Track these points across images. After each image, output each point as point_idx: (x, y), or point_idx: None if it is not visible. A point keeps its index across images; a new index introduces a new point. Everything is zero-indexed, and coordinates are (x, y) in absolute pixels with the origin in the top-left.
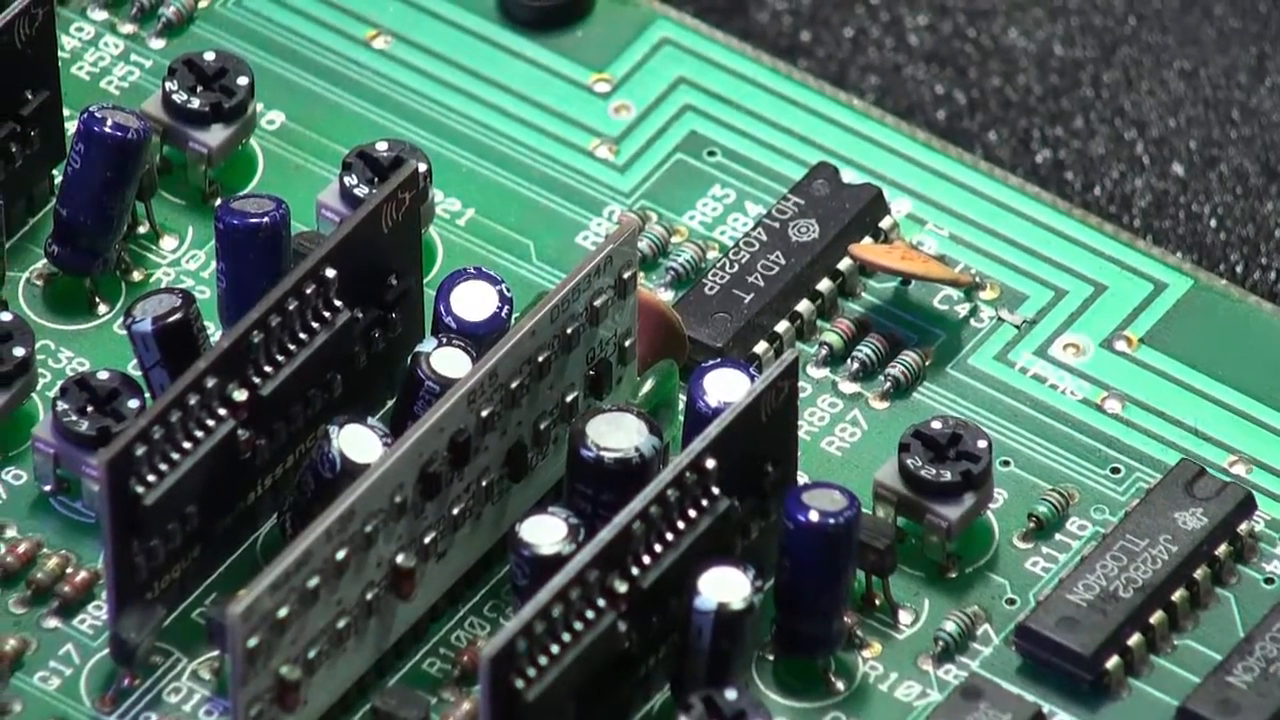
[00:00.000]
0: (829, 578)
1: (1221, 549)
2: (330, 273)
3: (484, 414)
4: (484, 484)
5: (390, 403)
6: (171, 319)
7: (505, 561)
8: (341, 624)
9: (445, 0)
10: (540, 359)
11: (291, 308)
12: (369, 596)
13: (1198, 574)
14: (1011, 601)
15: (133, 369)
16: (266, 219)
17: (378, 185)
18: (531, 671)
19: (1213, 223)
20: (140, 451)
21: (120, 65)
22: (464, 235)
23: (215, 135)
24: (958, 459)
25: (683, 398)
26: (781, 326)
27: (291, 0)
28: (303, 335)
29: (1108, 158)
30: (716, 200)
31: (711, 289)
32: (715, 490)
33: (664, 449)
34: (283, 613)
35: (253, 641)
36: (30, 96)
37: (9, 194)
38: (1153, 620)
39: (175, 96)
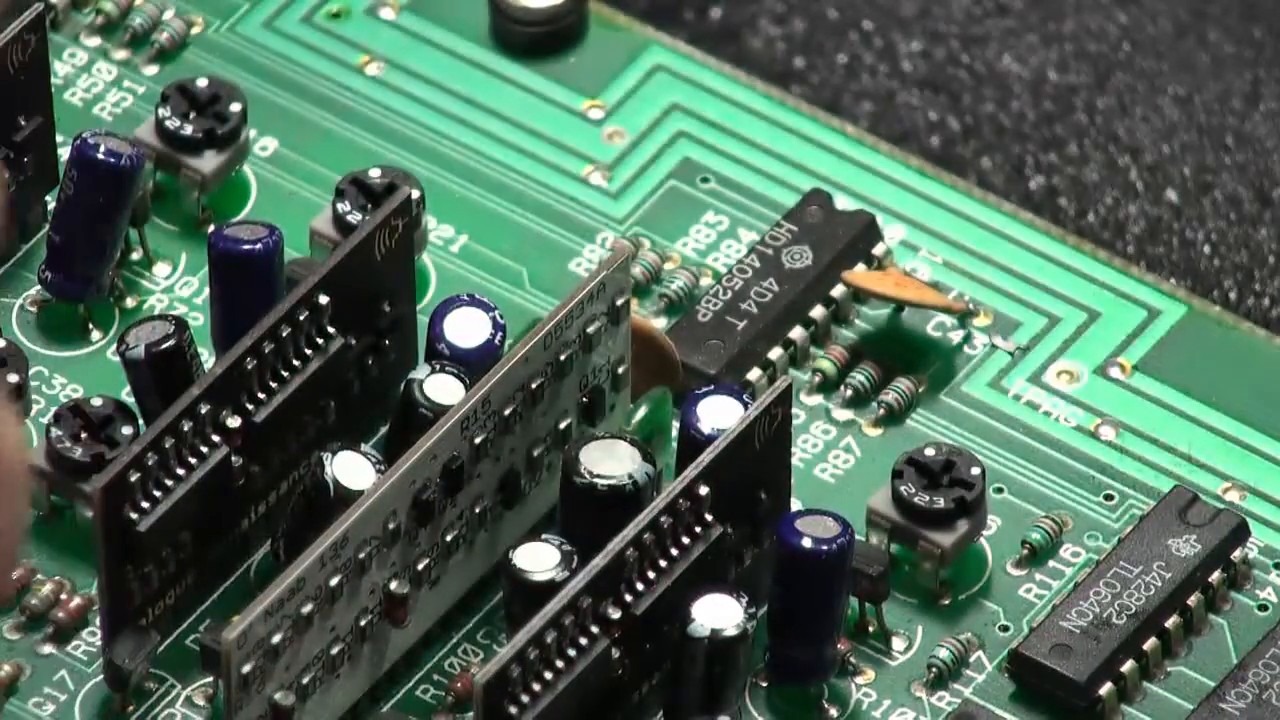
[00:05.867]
0: (822, 604)
1: (1215, 576)
2: (324, 299)
3: (477, 441)
4: (477, 511)
5: (383, 430)
6: (165, 345)
7: (499, 588)
8: (335, 650)
9: (438, 26)
10: (533, 386)
11: (285, 334)
12: (362, 623)
13: (1191, 601)
14: (1005, 628)
15: (126, 395)
16: (260, 246)
17: (370, 211)
18: (524, 698)
19: (1206, 249)
20: (134, 478)
21: (113, 91)
22: (457, 262)
23: (208, 161)
24: (951, 486)
25: (676, 424)
26: (775, 353)
27: (284, 26)
28: (296, 362)
29: (1101, 184)
30: (709, 227)
31: (705, 316)
32: (708, 517)
33: (657, 476)
34: (276, 639)
35: (246, 668)
36: (23, 123)
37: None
38: (1146, 647)
39: (168, 123)
